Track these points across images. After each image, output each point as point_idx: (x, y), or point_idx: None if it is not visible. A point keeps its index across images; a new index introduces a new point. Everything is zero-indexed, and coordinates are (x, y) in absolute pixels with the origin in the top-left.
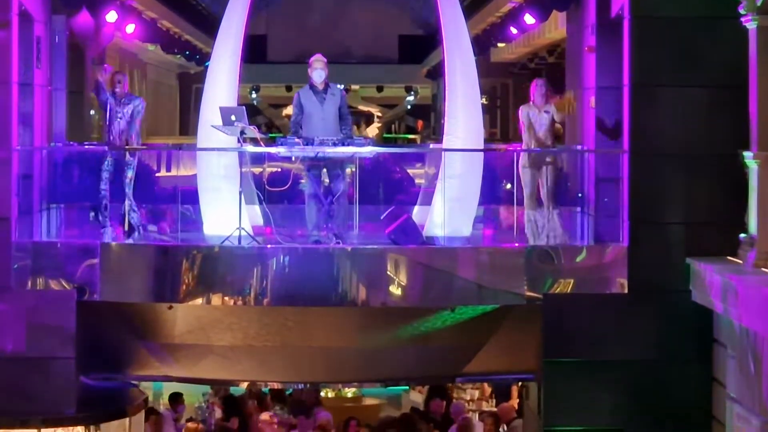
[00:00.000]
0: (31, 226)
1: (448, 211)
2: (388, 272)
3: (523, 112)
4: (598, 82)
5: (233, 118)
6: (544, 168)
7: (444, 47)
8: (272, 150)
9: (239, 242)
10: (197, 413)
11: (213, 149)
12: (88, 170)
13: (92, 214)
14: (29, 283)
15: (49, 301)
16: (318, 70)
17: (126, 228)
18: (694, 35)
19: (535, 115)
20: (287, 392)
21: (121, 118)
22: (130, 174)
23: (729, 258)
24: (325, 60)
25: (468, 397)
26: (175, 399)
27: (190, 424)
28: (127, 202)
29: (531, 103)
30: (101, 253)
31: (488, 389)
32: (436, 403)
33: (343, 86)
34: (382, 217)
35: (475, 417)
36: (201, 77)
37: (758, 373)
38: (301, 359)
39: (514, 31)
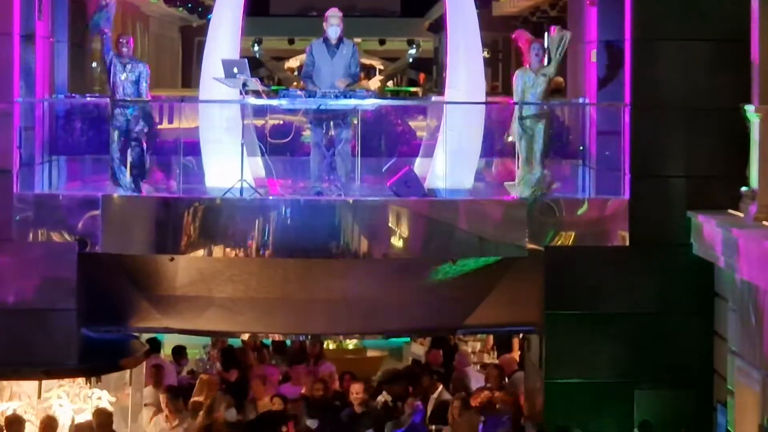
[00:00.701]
0: (32, 178)
1: (450, 163)
2: (390, 224)
3: (518, 78)
4: (600, 35)
5: (235, 70)
6: (536, 123)
7: (446, 1)
8: (274, 102)
9: (241, 194)
10: (198, 365)
11: (215, 101)
12: (90, 122)
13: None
14: (31, 235)
15: (51, 253)
16: (334, 26)
17: (127, 182)
18: (700, 13)
19: (531, 80)
20: (287, 344)
21: (125, 81)
22: (139, 127)
23: (730, 211)
24: (341, 15)
25: (470, 350)
26: (179, 352)
27: (203, 376)
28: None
29: (527, 67)
30: (103, 205)
31: (490, 341)
32: (433, 353)
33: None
34: (383, 170)
35: (476, 369)
36: (203, 30)
37: (759, 327)
38: (303, 311)
39: None
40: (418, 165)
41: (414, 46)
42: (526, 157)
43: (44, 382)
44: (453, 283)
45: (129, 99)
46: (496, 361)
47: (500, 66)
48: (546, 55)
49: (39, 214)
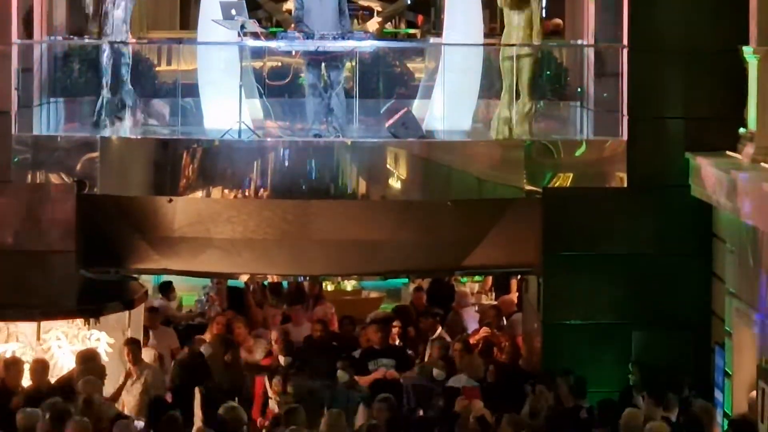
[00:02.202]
0: (30, 120)
1: (448, 104)
2: (388, 165)
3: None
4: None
5: (233, 12)
6: (522, 60)
7: None
8: (272, 44)
9: (239, 135)
10: (197, 306)
11: (213, 43)
12: (88, 64)
13: (96, 118)
14: (29, 177)
15: (49, 195)
16: None
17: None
18: None
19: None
20: (283, 285)
21: (113, 20)
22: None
23: (728, 153)
24: None
25: (468, 291)
26: (166, 288)
27: (220, 318)
28: (127, 103)
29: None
30: (101, 147)
31: (488, 283)
32: (417, 296)
33: None
34: (382, 111)
35: (474, 310)
36: None
37: (757, 268)
38: (301, 252)
39: None
40: (417, 107)
41: None
42: (509, 84)
43: (43, 324)
44: (451, 224)
45: (124, 41)
46: (495, 303)
47: (497, 7)
48: None
49: (37, 155)
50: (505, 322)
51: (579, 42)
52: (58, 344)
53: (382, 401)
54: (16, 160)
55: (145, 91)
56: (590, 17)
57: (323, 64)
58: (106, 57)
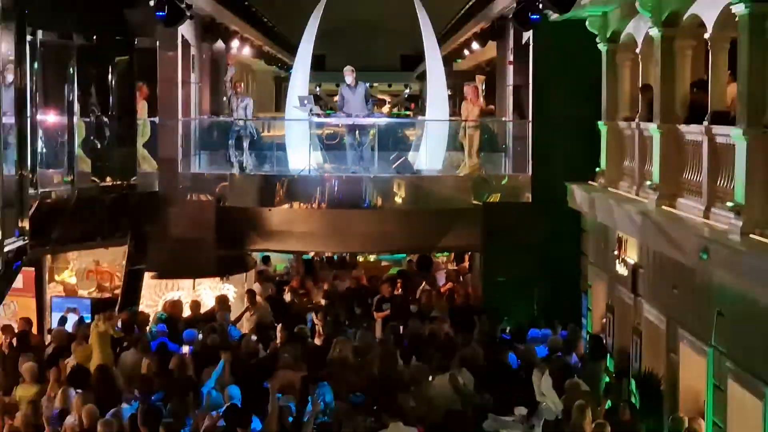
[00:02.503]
0: (189, 163)
1: (428, 155)
2: (394, 189)
3: (463, 108)
4: (514, 81)
5: (306, 102)
6: (472, 130)
7: (427, 62)
8: (328, 120)
9: (309, 172)
10: (285, 271)
11: (294, 120)
12: (221, 131)
13: (227, 161)
14: (188, 196)
15: (201, 206)
16: (349, 76)
17: (243, 166)
18: (572, 68)
19: (468, 109)
20: (334, 258)
21: (238, 109)
22: (247, 140)
23: (589, 182)
24: (352, 68)
25: (440, 261)
26: (267, 259)
27: (297, 277)
28: (245, 154)
29: (468, 100)
30: (230, 179)
31: (452, 256)
32: (409, 264)
33: (368, 83)
34: (391, 158)
35: (444, 272)
36: (287, 79)
37: (606, 247)
38: (344, 239)
39: (467, 52)
40: (410, 155)
41: (408, 88)
42: (468, 151)
43: (196, 280)
44: (430, 221)
45: (241, 118)
46: (456, 268)
47: (458, 101)
48: (478, 94)
49: (193, 184)
50: (461, 279)
51: (503, 119)
52: (205, 292)
53: (390, 327)
54: (180, 187)
55: (255, 147)
56: (510, 104)
57: (356, 131)
58: (234, 128)
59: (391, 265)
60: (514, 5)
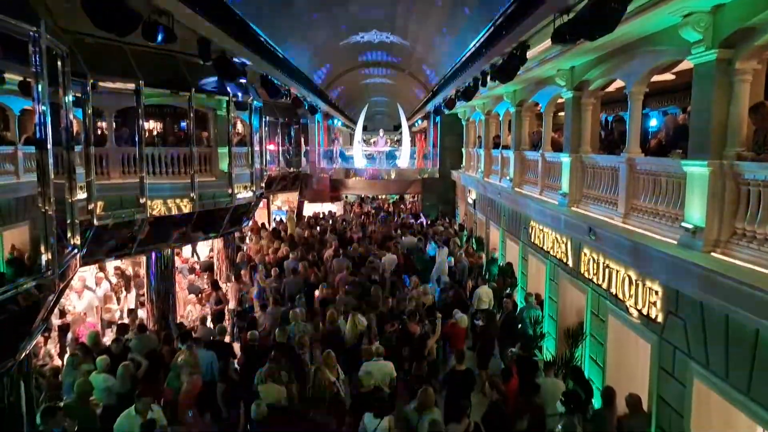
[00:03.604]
0: (318, 163)
1: (402, 161)
2: (391, 174)
3: (417, 144)
4: (433, 134)
5: (362, 137)
6: (419, 153)
7: (402, 126)
8: (368, 148)
9: (362, 167)
10: (354, 201)
11: (356, 149)
12: (329, 152)
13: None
14: (320, 174)
15: (323, 178)
16: (380, 132)
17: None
18: (451, 128)
19: (415, 150)
20: (371, 198)
21: (335, 143)
22: (338, 155)
23: (460, 169)
24: (382, 129)
25: (407, 198)
26: (346, 197)
27: (356, 206)
28: (338, 160)
29: (418, 140)
30: (334, 169)
31: (410, 196)
32: (396, 201)
33: (382, 134)
34: (390, 162)
35: (408, 203)
36: (353, 132)
37: (463, 193)
38: (373, 190)
39: (417, 123)
40: (397, 162)
41: (399, 134)
42: (417, 159)
43: (324, 203)
44: (404, 184)
45: (341, 146)
46: (412, 200)
47: (415, 140)
48: (422, 139)
49: (320, 170)
50: (415, 203)
51: (429, 148)
52: (328, 206)
53: (382, 218)
54: (316, 171)
55: (343, 157)
56: (431, 142)
57: (378, 153)
58: (335, 151)
59: (388, 199)
60: (434, 108)
